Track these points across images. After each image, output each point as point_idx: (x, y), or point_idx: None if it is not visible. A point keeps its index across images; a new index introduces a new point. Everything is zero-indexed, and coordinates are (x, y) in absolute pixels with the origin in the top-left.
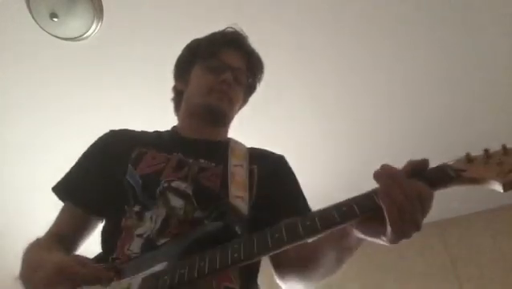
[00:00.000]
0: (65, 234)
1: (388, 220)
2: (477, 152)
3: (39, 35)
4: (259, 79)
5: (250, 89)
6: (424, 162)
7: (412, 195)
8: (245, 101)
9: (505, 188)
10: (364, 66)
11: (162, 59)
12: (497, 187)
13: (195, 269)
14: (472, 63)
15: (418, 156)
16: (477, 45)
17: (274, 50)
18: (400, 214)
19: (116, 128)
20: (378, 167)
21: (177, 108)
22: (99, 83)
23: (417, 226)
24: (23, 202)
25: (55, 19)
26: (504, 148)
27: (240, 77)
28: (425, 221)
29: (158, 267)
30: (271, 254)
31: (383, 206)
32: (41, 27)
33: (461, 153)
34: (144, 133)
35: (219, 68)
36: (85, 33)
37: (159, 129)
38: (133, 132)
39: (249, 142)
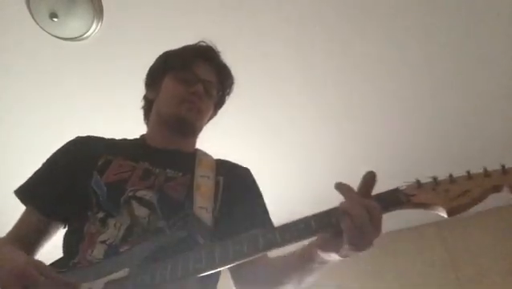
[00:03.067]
0: (26, 237)
1: (346, 234)
2: (478, 152)
3: (39, 35)
4: (229, 93)
5: (220, 102)
6: (371, 176)
7: (370, 212)
8: (214, 113)
9: (449, 214)
10: (365, 65)
11: None
12: (442, 212)
13: (156, 276)
14: (480, 63)
15: (422, 159)
16: (482, 44)
17: (273, 50)
18: (357, 228)
19: (116, 127)
20: (383, 166)
21: (147, 117)
22: (99, 83)
23: (370, 241)
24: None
25: (55, 19)
26: (451, 177)
27: (210, 90)
28: (425, 221)
29: (120, 274)
30: (232, 264)
31: (342, 222)
32: (41, 27)
33: (463, 158)
34: (111, 141)
35: (190, 80)
36: (85, 33)
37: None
38: (100, 138)
39: (249, 142)
